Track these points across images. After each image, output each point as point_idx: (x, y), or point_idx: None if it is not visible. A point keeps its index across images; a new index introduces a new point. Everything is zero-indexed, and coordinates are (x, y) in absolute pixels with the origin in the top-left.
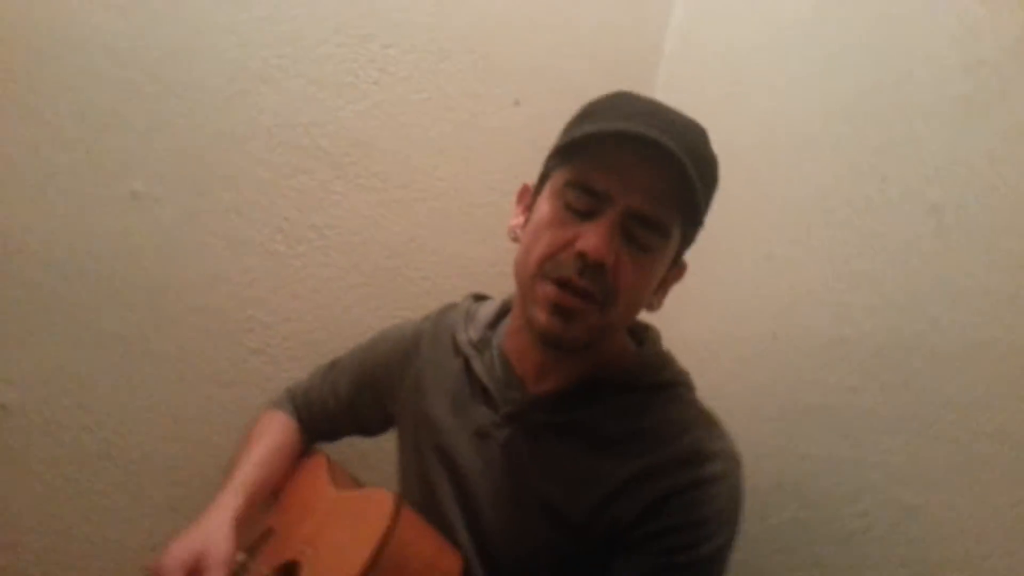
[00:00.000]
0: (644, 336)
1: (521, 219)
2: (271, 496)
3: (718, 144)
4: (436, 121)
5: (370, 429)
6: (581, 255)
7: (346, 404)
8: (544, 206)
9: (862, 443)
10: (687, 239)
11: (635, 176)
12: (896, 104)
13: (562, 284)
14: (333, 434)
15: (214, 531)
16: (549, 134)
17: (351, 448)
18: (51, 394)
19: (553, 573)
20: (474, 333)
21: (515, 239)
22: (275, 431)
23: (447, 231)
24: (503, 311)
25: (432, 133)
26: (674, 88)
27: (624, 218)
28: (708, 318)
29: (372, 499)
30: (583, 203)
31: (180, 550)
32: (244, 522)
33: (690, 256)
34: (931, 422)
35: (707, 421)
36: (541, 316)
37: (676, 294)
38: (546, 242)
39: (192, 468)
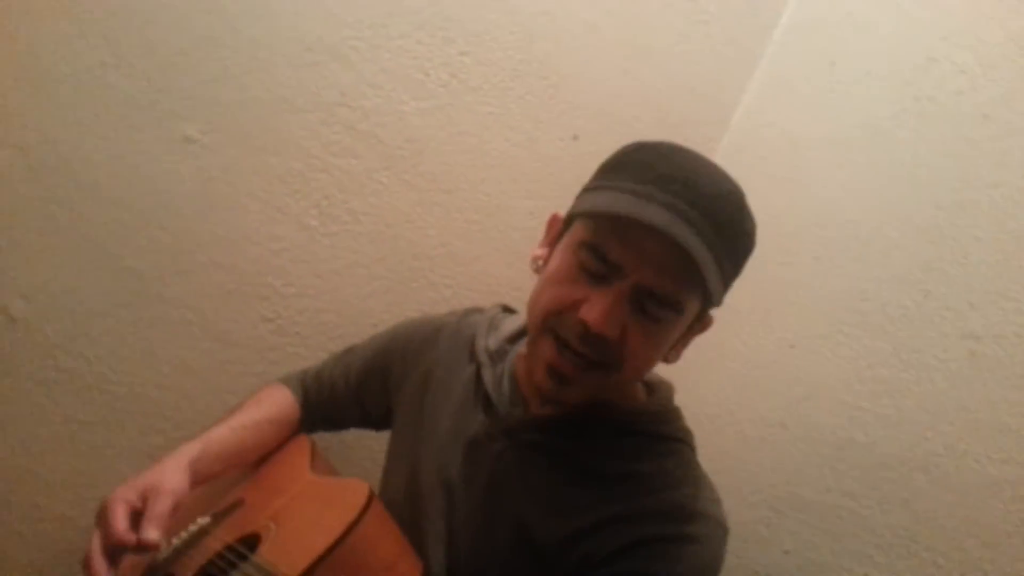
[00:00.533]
0: (657, 388)
1: (544, 252)
2: (247, 467)
3: (765, 224)
4: (494, 137)
5: (372, 420)
6: (583, 323)
7: (354, 388)
8: (559, 258)
9: (849, 551)
10: (706, 307)
11: (650, 253)
12: (954, 225)
13: (562, 346)
14: (334, 421)
15: (165, 469)
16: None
17: (337, 441)
18: (59, 315)
19: None
20: (493, 343)
21: (536, 271)
22: (270, 404)
23: (479, 245)
24: (524, 330)
25: (487, 147)
26: (732, 161)
27: (634, 292)
28: (718, 392)
29: (345, 488)
30: (595, 267)
31: (126, 487)
32: (207, 478)
33: (712, 328)
34: (924, 546)
35: (702, 483)
36: (537, 373)
37: (689, 359)
38: (553, 297)
39: (177, 419)
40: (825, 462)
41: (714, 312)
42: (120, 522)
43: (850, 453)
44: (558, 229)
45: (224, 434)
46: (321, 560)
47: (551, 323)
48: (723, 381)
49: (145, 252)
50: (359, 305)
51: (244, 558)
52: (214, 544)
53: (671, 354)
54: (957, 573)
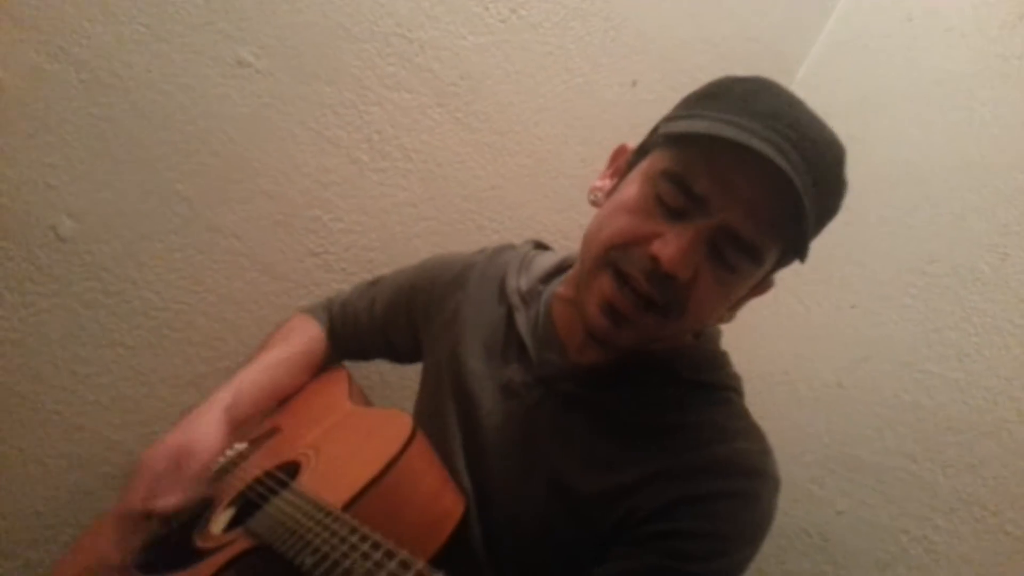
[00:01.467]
0: (703, 331)
1: (607, 183)
2: (282, 400)
3: None
4: (551, 78)
5: (399, 354)
6: (654, 259)
7: (380, 322)
8: (632, 187)
9: (908, 514)
10: (782, 263)
11: (742, 190)
12: None
13: (623, 281)
14: (362, 352)
15: (200, 424)
16: (657, 122)
17: (377, 375)
18: (107, 237)
19: (543, 542)
20: (525, 283)
21: (594, 203)
22: (298, 338)
23: (530, 190)
24: (561, 268)
25: (544, 89)
26: None
27: (716, 233)
28: (772, 350)
29: (389, 419)
30: (675, 200)
31: (163, 445)
32: (244, 422)
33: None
34: (992, 512)
35: (755, 435)
36: (592, 310)
37: (742, 316)
38: (621, 228)
39: (222, 349)
40: (885, 424)
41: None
42: (141, 494)
43: (912, 416)
44: (626, 160)
45: (255, 376)
46: (365, 491)
47: (613, 256)
48: (777, 339)
49: (196, 177)
50: (405, 245)
51: (284, 485)
52: (252, 471)
53: (728, 314)
54: None
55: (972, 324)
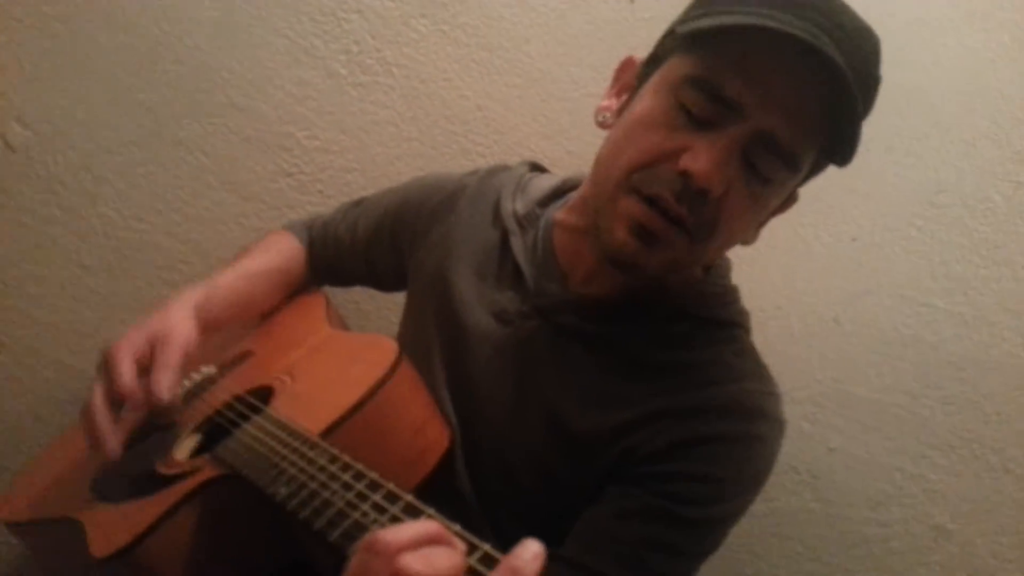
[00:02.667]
0: (713, 263)
1: (614, 102)
2: (255, 318)
3: None
4: None
5: (381, 280)
6: (685, 175)
7: (362, 245)
8: (649, 100)
9: (904, 451)
10: (813, 173)
11: (780, 89)
12: None
13: (651, 203)
14: (342, 276)
15: (171, 316)
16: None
17: (352, 304)
18: (61, 147)
19: (537, 481)
20: (521, 206)
21: (602, 124)
22: (276, 252)
23: (519, 113)
24: (560, 190)
25: (536, 2)
26: None
27: (750, 140)
28: (764, 283)
29: (372, 343)
30: (704, 109)
31: (132, 334)
32: (215, 326)
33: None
34: (994, 449)
35: (762, 375)
36: (619, 233)
37: (734, 249)
38: (643, 147)
39: (187, 272)
40: (883, 360)
41: None
42: (127, 372)
43: (912, 351)
44: (634, 73)
45: (232, 280)
46: (346, 417)
47: (637, 179)
48: (771, 272)
49: (159, 86)
50: (386, 167)
51: (256, 410)
52: (221, 395)
53: (751, 235)
54: None
55: (981, 256)
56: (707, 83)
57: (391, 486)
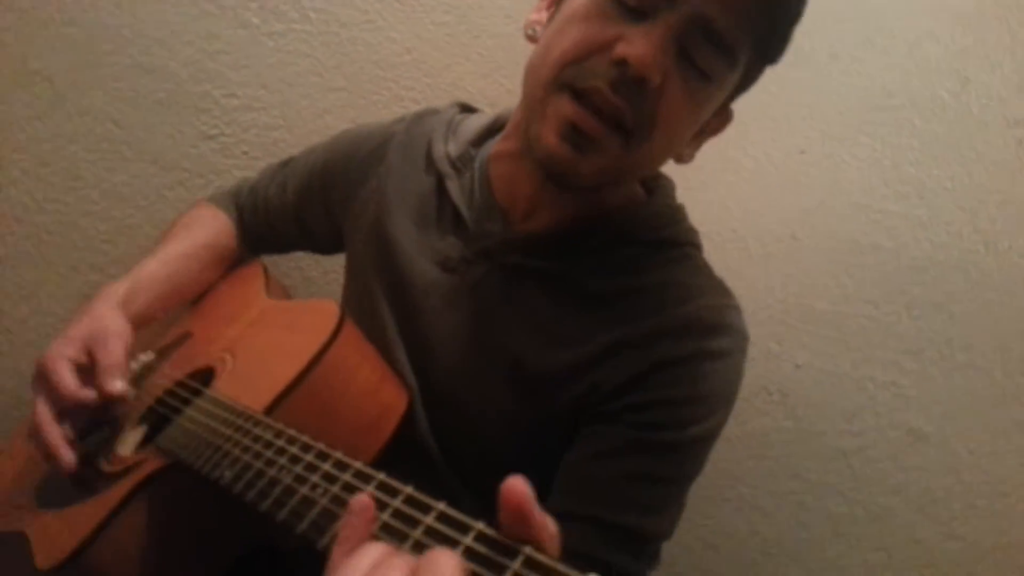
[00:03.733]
0: (655, 185)
1: (543, 15)
2: (187, 300)
3: None
4: None
5: (317, 243)
6: (620, 62)
7: (292, 208)
8: None
9: (872, 360)
10: (748, 79)
11: None
12: (999, 5)
13: (584, 98)
14: (277, 243)
15: (98, 314)
16: None
17: (297, 271)
18: None
19: (503, 430)
20: (454, 148)
21: (531, 37)
22: (202, 228)
23: (450, 52)
24: (493, 128)
25: None
26: None
27: (687, 27)
28: (717, 207)
29: (313, 309)
30: None
31: (61, 342)
32: (142, 321)
33: (713, 140)
34: (961, 348)
35: (719, 289)
36: (549, 138)
37: (683, 174)
38: (575, 39)
39: (113, 253)
40: (842, 270)
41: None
42: (68, 380)
43: (872, 259)
44: None
45: (155, 269)
46: (290, 390)
47: (569, 74)
48: (724, 196)
49: (54, 52)
50: (314, 121)
51: (198, 394)
52: (161, 382)
53: (687, 149)
54: (999, 373)
55: (933, 157)
56: None
57: (339, 455)
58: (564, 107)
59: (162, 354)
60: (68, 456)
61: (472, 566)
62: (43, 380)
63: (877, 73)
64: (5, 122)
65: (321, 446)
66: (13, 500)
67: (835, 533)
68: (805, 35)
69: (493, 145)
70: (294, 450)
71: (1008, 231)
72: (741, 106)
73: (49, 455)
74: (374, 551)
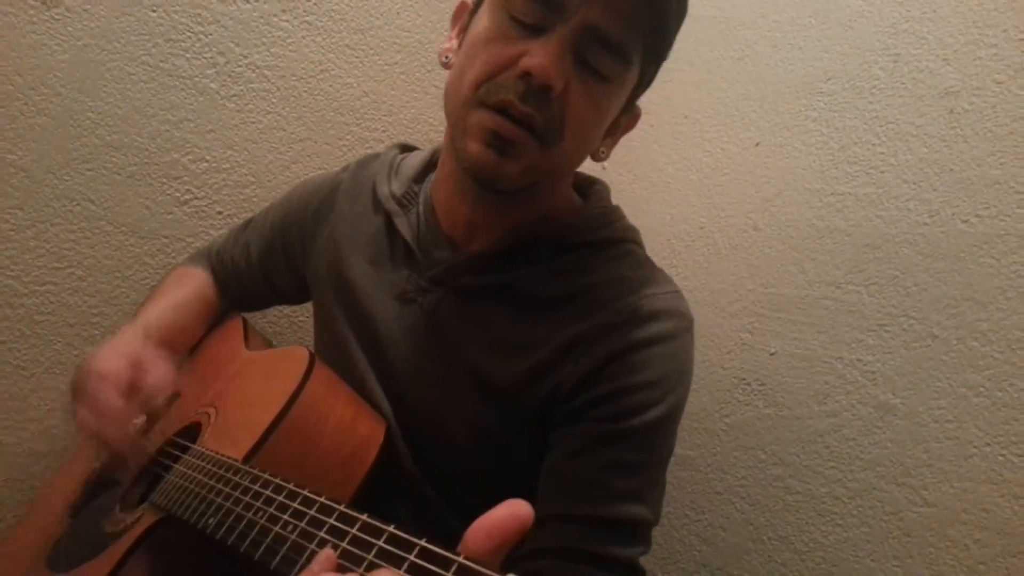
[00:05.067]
0: (590, 191)
1: (454, 43)
2: (182, 353)
3: (716, 20)
4: None
5: (288, 296)
6: (525, 75)
7: (258, 268)
8: (483, 20)
9: (839, 340)
10: (645, 78)
11: None
12: None
13: (500, 110)
14: (250, 300)
15: (134, 346)
16: None
17: (286, 319)
18: None
19: (480, 446)
20: (398, 187)
21: (446, 64)
22: (190, 282)
23: (407, 89)
24: (432, 162)
25: None
26: None
27: (579, 35)
28: (683, 207)
29: (284, 356)
30: (532, 14)
31: (113, 356)
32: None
33: (671, 143)
34: (918, 319)
35: (659, 279)
36: (473, 147)
37: (649, 179)
38: (484, 60)
39: (102, 324)
40: (804, 256)
41: (668, 121)
42: (116, 398)
43: (830, 241)
44: (468, 12)
45: (160, 314)
46: (267, 435)
47: (483, 93)
48: (688, 195)
49: (27, 142)
50: (283, 173)
51: (186, 450)
52: (154, 442)
53: (603, 147)
54: (954, 339)
55: (875, 134)
56: None
57: (308, 491)
58: (484, 118)
59: (154, 416)
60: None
61: None
62: (90, 390)
63: (816, 58)
64: None
65: (291, 486)
66: (24, 569)
67: (818, 513)
68: (747, 27)
69: (432, 177)
70: (268, 492)
71: (949, 199)
72: (695, 104)
73: (109, 439)
74: None
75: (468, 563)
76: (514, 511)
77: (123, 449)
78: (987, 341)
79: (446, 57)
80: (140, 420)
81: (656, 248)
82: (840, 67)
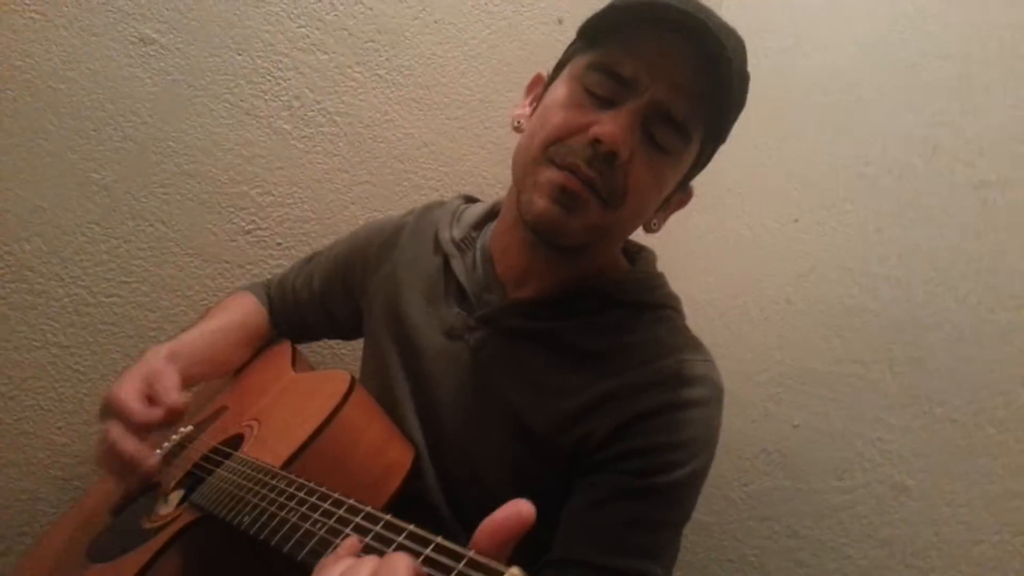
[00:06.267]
0: (638, 256)
1: (527, 110)
2: (221, 374)
3: (766, 99)
4: (472, 23)
5: (341, 328)
6: (595, 141)
7: (319, 297)
8: (559, 90)
9: (861, 418)
10: (703, 157)
11: (668, 66)
12: (963, 76)
13: (568, 171)
14: (304, 330)
15: (151, 361)
16: None
17: (328, 350)
18: (28, 235)
19: (506, 483)
20: (458, 232)
21: (517, 128)
22: (236, 309)
23: (465, 143)
24: (491, 213)
25: (467, 36)
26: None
27: (648, 111)
28: (720, 277)
29: (326, 378)
30: (605, 88)
31: (125, 378)
32: (186, 377)
33: (713, 213)
34: (938, 402)
35: (693, 346)
36: (540, 202)
37: (688, 248)
38: (557, 124)
39: (160, 339)
40: (833, 332)
41: (712, 193)
42: (136, 403)
43: (859, 320)
44: (543, 84)
45: (194, 338)
46: (304, 447)
47: (552, 152)
48: (726, 265)
49: (112, 164)
50: (342, 212)
51: (228, 457)
52: (199, 450)
53: (656, 219)
54: (972, 424)
55: (909, 220)
56: (606, 67)
57: (338, 495)
58: (552, 175)
59: (200, 427)
60: (149, 459)
61: (425, 569)
62: (113, 408)
63: (858, 143)
64: (68, 227)
65: (323, 489)
66: (67, 560)
67: None
68: (795, 109)
69: (492, 228)
70: (302, 494)
71: (977, 287)
72: (739, 180)
73: (131, 461)
74: (349, 560)
75: (477, 557)
76: (516, 510)
77: (142, 466)
78: (1004, 429)
79: (518, 122)
80: (167, 443)
81: (690, 314)
82: (879, 153)
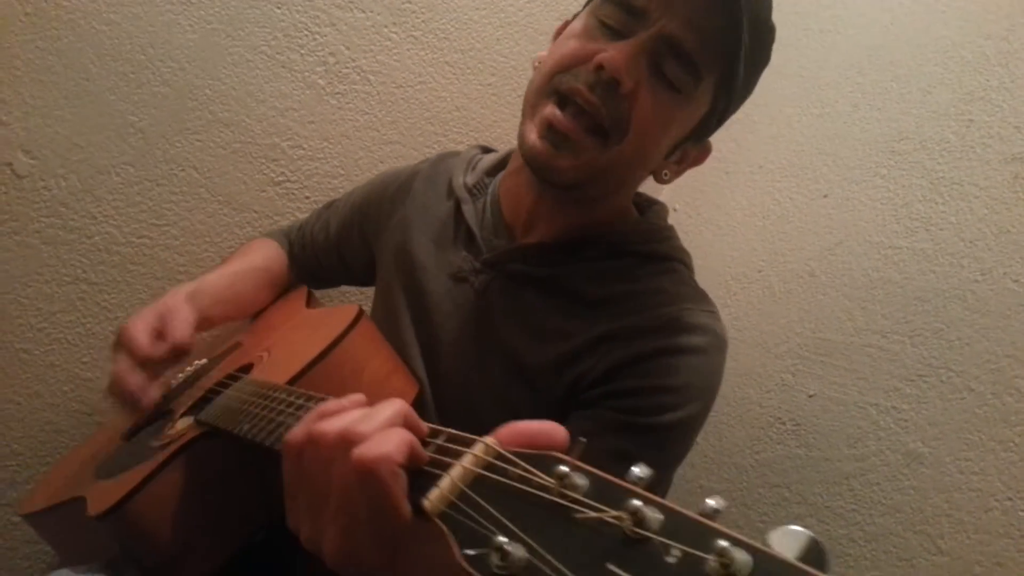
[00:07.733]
0: (649, 209)
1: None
2: (242, 315)
3: (802, 77)
4: None
5: (355, 273)
6: (598, 68)
7: (334, 241)
8: (576, 23)
9: (877, 387)
10: (717, 109)
11: (683, 2)
12: (1002, 52)
13: (566, 100)
14: (320, 274)
15: (168, 301)
16: None
17: (340, 298)
18: (64, 173)
19: (503, 418)
20: (471, 179)
21: (538, 70)
22: (258, 254)
23: (496, 110)
24: (505, 160)
25: (504, 2)
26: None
27: (656, 43)
28: (745, 250)
29: (336, 311)
30: (617, 19)
31: (139, 316)
32: (203, 322)
33: (743, 192)
34: (957, 372)
35: (699, 297)
36: (531, 136)
37: (716, 223)
38: (564, 53)
39: (185, 282)
40: (855, 304)
41: (744, 170)
42: (144, 338)
43: (882, 292)
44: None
45: (215, 279)
46: (308, 368)
47: (557, 80)
48: (752, 239)
49: (148, 107)
50: (371, 170)
51: (236, 380)
52: (210, 380)
53: (667, 169)
54: (990, 393)
55: (939, 193)
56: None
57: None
58: (548, 112)
59: (215, 360)
60: (148, 393)
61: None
62: (122, 341)
63: (892, 119)
64: (104, 167)
65: (320, 396)
66: (77, 477)
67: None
68: (831, 87)
69: (503, 175)
70: (300, 401)
71: (1003, 259)
72: (772, 155)
73: (129, 395)
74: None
75: (456, 432)
76: (553, 430)
77: (141, 401)
78: (1023, 397)
79: (539, 63)
80: (180, 374)
81: (714, 287)
82: (914, 128)
